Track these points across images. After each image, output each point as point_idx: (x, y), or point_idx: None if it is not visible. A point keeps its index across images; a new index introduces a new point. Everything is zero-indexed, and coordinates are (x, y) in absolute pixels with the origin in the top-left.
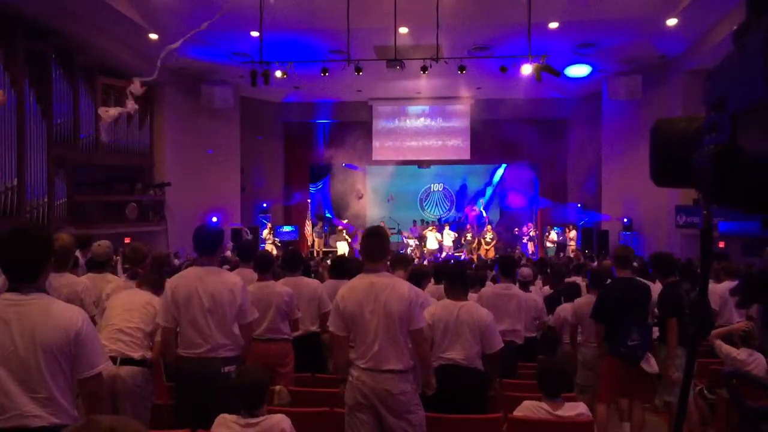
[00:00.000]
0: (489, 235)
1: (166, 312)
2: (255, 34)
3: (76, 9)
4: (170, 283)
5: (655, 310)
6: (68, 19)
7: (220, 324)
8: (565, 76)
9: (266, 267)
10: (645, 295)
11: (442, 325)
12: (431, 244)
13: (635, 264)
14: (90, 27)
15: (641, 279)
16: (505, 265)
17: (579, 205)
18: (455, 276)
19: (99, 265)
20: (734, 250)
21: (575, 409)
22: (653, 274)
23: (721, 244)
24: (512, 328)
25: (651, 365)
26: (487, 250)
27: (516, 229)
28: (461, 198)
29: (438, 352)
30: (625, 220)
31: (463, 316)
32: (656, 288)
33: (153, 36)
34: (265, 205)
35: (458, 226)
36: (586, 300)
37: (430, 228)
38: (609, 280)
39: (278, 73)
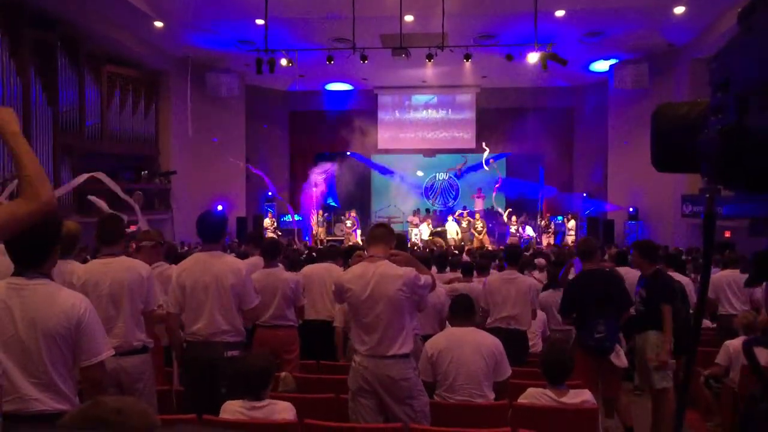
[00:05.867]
0: (479, 224)
1: (173, 298)
2: (260, 22)
3: None
4: (177, 269)
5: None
6: (74, 7)
7: (222, 309)
8: (570, 64)
9: (273, 254)
10: (612, 287)
11: (449, 358)
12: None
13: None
14: (95, 15)
15: (609, 269)
16: (511, 254)
17: (585, 195)
18: (460, 305)
19: None
20: (740, 235)
21: (580, 396)
22: (635, 263)
23: (727, 234)
24: (515, 313)
25: (620, 359)
26: (480, 240)
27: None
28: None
29: (451, 391)
30: (631, 209)
31: (471, 347)
32: (634, 274)
33: (158, 24)
34: (270, 193)
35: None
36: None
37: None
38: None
39: (284, 62)
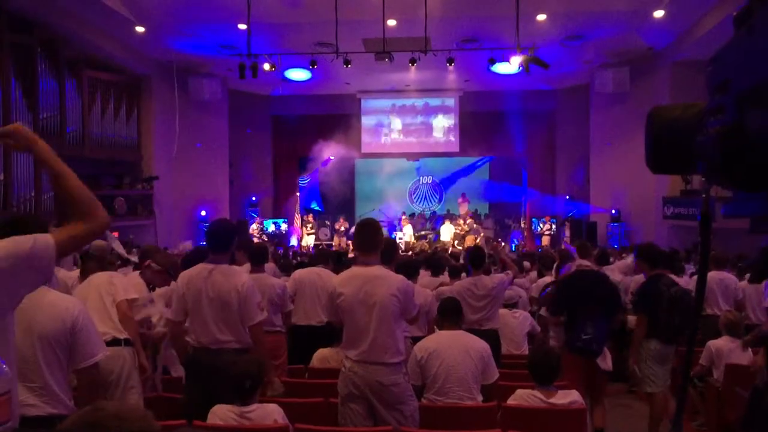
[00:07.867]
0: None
1: (177, 306)
2: (243, 26)
3: (61, 1)
4: (181, 278)
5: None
6: (54, 11)
7: (228, 322)
8: (552, 67)
9: (260, 259)
10: (602, 288)
11: (438, 361)
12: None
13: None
14: (76, 19)
15: (598, 270)
16: (474, 257)
17: (567, 197)
18: (448, 308)
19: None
20: (735, 235)
21: (568, 397)
22: (638, 266)
23: None
24: (485, 316)
25: (605, 362)
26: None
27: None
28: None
29: (440, 394)
30: (613, 211)
31: (460, 350)
32: (638, 279)
33: (139, 29)
34: (254, 198)
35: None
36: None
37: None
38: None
39: (266, 66)
